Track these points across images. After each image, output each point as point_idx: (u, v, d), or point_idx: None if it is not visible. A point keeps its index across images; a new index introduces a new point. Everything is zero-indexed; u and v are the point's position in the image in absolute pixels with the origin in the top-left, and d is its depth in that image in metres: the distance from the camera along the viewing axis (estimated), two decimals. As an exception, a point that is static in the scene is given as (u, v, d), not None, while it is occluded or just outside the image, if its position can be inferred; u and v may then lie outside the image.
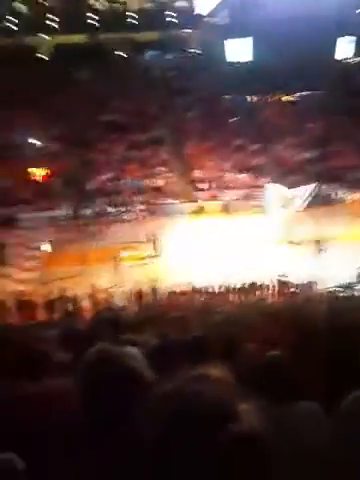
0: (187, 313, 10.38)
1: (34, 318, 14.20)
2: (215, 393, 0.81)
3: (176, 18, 35.49)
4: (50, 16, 34.46)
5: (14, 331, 7.00)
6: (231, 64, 33.10)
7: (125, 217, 23.78)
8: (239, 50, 33.80)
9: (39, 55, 33.19)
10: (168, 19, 35.46)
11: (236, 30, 33.16)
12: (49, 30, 34.19)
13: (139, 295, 14.84)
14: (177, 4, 36.00)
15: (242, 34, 33.17)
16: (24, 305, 14.70)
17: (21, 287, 16.55)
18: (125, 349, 1.76)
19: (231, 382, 0.87)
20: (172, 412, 0.81)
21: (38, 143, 28.76)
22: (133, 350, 1.80)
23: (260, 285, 15.47)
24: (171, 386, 0.88)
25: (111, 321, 7.94)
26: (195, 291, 15.14)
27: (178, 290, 15.09)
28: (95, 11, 35.06)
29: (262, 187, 24.92)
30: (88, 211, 23.77)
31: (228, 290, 15.30)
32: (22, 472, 1.35)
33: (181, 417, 0.80)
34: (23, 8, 35.23)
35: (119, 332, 5.68)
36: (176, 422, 0.80)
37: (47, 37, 34.03)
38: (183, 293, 15.08)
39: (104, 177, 26.96)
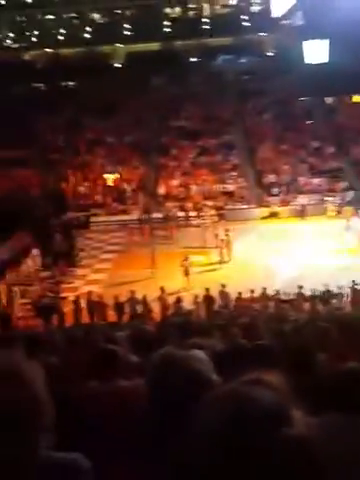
0: (257, 320, 10.05)
1: (104, 319, 14.48)
2: (268, 397, 0.83)
3: (251, 22, 35.17)
4: (125, 25, 35.44)
5: (87, 331, 7.09)
6: (308, 66, 32.19)
7: (195, 222, 23.75)
8: (315, 52, 32.83)
9: (113, 63, 34.14)
10: (244, 23, 35.24)
11: (311, 32, 32.24)
12: (123, 38, 35.14)
13: (208, 300, 14.65)
14: (252, 8, 35.71)
15: (318, 36, 32.19)
16: (95, 306, 15.00)
17: (92, 288, 16.92)
18: (191, 352, 1.78)
19: (285, 388, 0.87)
20: (225, 413, 0.83)
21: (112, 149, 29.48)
22: (199, 353, 1.80)
23: (335, 293, 14.74)
24: (226, 388, 0.91)
25: (179, 325, 7.81)
26: (266, 298, 14.70)
27: (248, 296, 14.72)
28: (169, 19, 35.57)
29: (338, 191, 23.85)
30: (159, 215, 23.95)
31: (301, 298, 14.72)
32: (88, 472, 1.36)
33: (233, 419, 0.81)
34: (99, 18, 36.52)
35: (187, 336, 5.54)
36: (229, 423, 0.81)
37: (121, 45, 34.97)
38: (253, 299, 14.70)
39: (175, 182, 27.12)
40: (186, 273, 16.96)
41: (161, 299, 15.00)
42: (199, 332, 6.83)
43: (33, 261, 19.19)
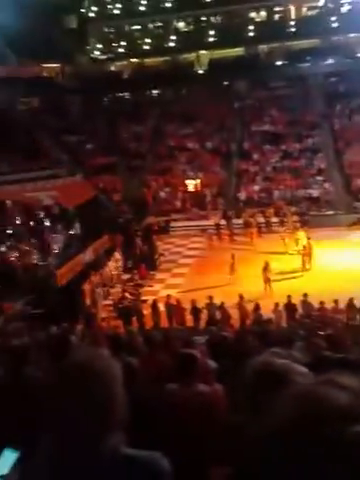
0: (343, 332, 9.55)
1: (182, 323, 14.52)
2: (341, 396, 0.85)
3: (339, 22, 33.94)
4: (209, 32, 35.67)
5: (166, 335, 7.14)
6: None
7: (277, 228, 23.21)
8: None
9: (196, 70, 34.43)
10: (332, 25, 34.10)
11: None
12: (207, 45, 35.35)
13: (289, 308, 14.20)
14: (343, 9, 34.47)
15: None
16: (173, 310, 15.10)
17: (171, 292, 17.06)
18: (291, 364, 1.78)
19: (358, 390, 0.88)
20: (299, 409, 0.86)
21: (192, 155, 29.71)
22: (300, 367, 1.80)
23: None
24: (301, 386, 0.95)
25: (259, 333, 7.58)
26: (354, 309, 13.94)
27: (331, 306, 14.06)
28: (254, 23, 35.27)
29: None
30: (239, 221, 23.72)
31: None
32: (167, 471, 1.39)
33: (306, 414, 0.84)
34: (183, 26, 37.06)
35: (267, 345, 5.34)
36: (302, 419, 0.84)
37: (205, 52, 35.21)
38: (337, 310, 14.01)
39: (256, 187, 26.74)
40: (266, 280, 16.59)
41: (240, 306, 14.75)
42: (280, 341, 6.59)
43: (115, 264, 19.76)
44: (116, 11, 37.29)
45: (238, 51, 34.42)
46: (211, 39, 35.63)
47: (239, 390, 2.52)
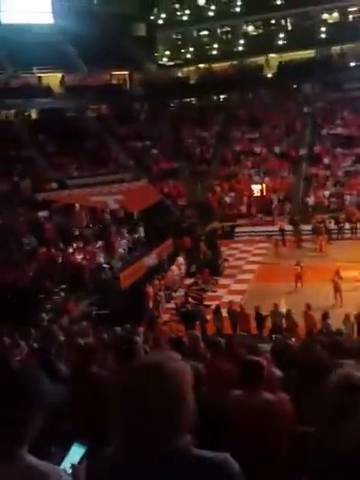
0: None
1: (246, 330, 14.17)
2: None
3: None
4: (279, 35, 35.03)
5: (229, 341, 6.94)
6: None
7: (349, 234, 22.23)
8: None
9: (265, 73, 33.90)
10: None
11: None
12: (277, 48, 34.73)
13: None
14: None
15: None
16: (237, 316, 14.77)
17: (234, 298, 16.75)
18: None
19: None
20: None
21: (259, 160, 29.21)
22: None
23: None
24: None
25: (327, 344, 7.14)
26: None
27: None
28: (327, 24, 34.22)
29: None
30: (307, 227, 22.94)
31: None
32: (239, 472, 1.42)
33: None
34: (252, 30, 36.66)
35: (337, 356, 5.00)
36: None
37: (274, 55, 34.61)
38: None
39: (327, 192, 25.79)
40: (336, 289, 15.82)
41: (306, 315, 14.18)
42: (350, 354, 6.16)
43: (179, 268, 19.72)
44: (185, 17, 37.56)
45: (309, 53, 33.50)
46: (281, 42, 34.96)
47: (312, 402, 2.55)
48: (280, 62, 33.71)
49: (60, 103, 29.75)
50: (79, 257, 18.51)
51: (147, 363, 1.44)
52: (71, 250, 18.90)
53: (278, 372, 4.63)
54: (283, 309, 14.36)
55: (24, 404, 1.59)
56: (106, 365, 5.93)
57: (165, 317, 16.21)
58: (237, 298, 16.95)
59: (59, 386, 4.03)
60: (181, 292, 18.11)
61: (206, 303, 16.78)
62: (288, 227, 23.33)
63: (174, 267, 19.55)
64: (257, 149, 29.71)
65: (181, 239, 21.88)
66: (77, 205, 22.74)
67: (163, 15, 37.98)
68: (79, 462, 2.14)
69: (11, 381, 1.64)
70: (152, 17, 38.17)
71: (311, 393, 3.38)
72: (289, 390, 3.55)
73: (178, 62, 37.59)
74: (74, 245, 19.24)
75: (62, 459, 2.16)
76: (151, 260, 19.68)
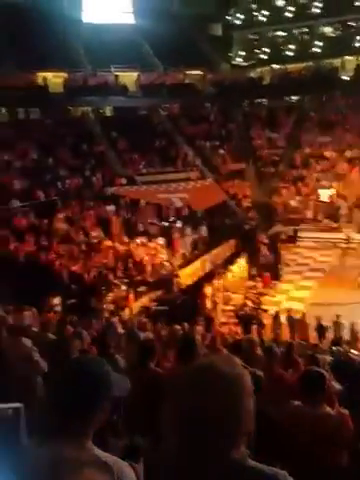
0: None
1: (304, 339, 13.93)
2: None
3: None
4: (358, 37, 33.87)
5: (288, 349, 6.89)
6: None
7: None
8: None
9: (341, 76, 32.89)
10: None
11: None
12: (355, 50, 33.61)
13: None
14: None
15: None
16: (296, 324, 14.57)
17: (294, 305, 16.51)
18: None
19: None
20: None
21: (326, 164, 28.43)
22: None
23: None
24: None
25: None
26: None
27: None
28: None
29: None
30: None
31: None
32: None
33: None
34: (330, 31, 35.68)
35: None
36: None
37: (351, 57, 33.52)
38: None
39: None
40: None
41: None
42: None
43: (239, 270, 19.68)
44: (261, 18, 37.22)
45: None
46: (358, 44, 33.78)
47: None
48: (357, 65, 32.57)
49: (134, 101, 30.45)
50: (142, 252, 18.93)
51: (204, 365, 1.38)
52: (135, 245, 19.36)
53: (338, 386, 4.57)
54: (346, 321, 13.98)
55: (95, 393, 1.62)
56: (164, 362, 6.10)
57: (222, 318, 16.27)
58: (297, 305, 16.69)
59: (123, 378, 4.21)
60: (240, 294, 18.08)
61: (264, 307, 16.66)
62: (356, 235, 22.60)
63: (234, 268, 19.54)
64: (327, 153, 28.94)
65: (243, 241, 21.79)
66: (143, 201, 23.23)
67: (240, 15, 37.86)
68: (137, 456, 2.15)
69: (83, 370, 1.66)
70: (229, 17, 38.14)
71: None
72: (349, 405, 3.47)
73: (252, 62, 37.31)
74: (138, 240, 19.70)
75: (118, 451, 2.16)
76: (212, 260, 19.77)
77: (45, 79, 29.03)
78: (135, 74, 31.66)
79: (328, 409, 3.26)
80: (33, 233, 17.60)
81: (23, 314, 8.06)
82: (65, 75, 29.87)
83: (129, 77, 31.38)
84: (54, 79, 29.50)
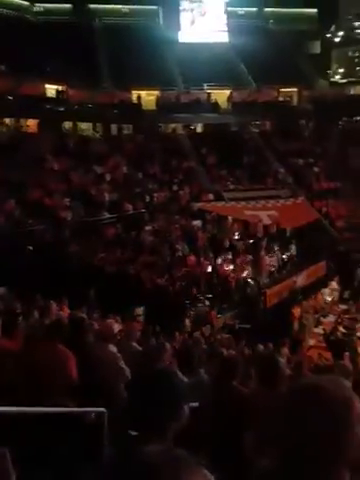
0: None
1: None
2: None
3: None
4: None
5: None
6: None
7: None
8: None
9: None
10: None
11: None
12: None
13: None
14: None
15: None
16: None
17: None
18: None
19: None
20: None
21: None
22: None
23: None
24: None
25: None
26: None
27: None
28: None
29: None
30: None
31: None
32: None
33: None
34: None
35: None
36: None
37: None
38: None
39: None
40: None
41: None
42: None
43: (331, 293, 18.51)
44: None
45: None
46: None
47: None
48: None
49: (225, 118, 30.40)
50: (227, 269, 18.46)
51: (310, 385, 1.30)
52: (220, 261, 18.95)
53: None
54: None
55: (172, 400, 1.74)
56: (247, 381, 5.67)
57: (311, 342, 15.27)
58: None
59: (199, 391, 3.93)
60: (331, 318, 16.92)
61: (359, 334, 15.39)
62: None
63: (326, 290, 18.40)
64: None
65: (336, 262, 20.55)
66: (230, 217, 22.82)
67: (340, 33, 36.75)
68: None
69: (163, 378, 1.81)
70: (329, 35, 37.16)
71: None
72: None
73: (351, 80, 35.90)
74: (223, 256, 19.27)
75: None
76: (301, 280, 18.80)
77: (139, 97, 29.95)
78: (227, 91, 31.68)
79: None
80: (120, 244, 17.86)
81: (109, 322, 7.99)
82: (158, 93, 30.61)
83: (221, 95, 31.46)
84: (147, 97, 30.34)
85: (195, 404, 3.53)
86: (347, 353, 13.49)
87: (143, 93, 30.41)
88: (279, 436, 1.28)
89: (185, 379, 1.78)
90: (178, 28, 34.05)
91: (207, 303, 15.91)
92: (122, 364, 5.33)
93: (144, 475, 0.95)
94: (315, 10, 36.57)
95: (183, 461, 1.00)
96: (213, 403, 3.94)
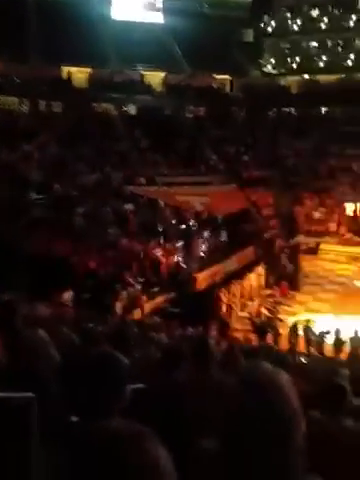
0: None
1: (320, 351, 13.48)
2: None
3: None
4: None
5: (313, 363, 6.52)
6: None
7: None
8: None
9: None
10: None
11: None
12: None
13: None
14: None
15: None
16: (313, 336, 14.03)
17: (312, 317, 16.02)
18: None
19: None
20: None
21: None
22: None
23: None
24: None
25: None
26: None
27: None
28: None
29: None
30: None
31: None
32: None
33: None
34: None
35: None
36: None
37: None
38: None
39: None
40: None
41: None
42: None
43: (257, 278, 19.18)
44: (295, 27, 36.75)
45: None
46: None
47: None
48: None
49: (159, 101, 30.21)
50: (159, 253, 18.54)
51: (266, 376, 1.25)
52: (152, 245, 18.98)
53: (355, 400, 4.33)
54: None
55: (117, 381, 1.74)
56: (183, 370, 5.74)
57: (237, 325, 15.79)
58: (314, 317, 16.20)
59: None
60: (256, 302, 17.60)
61: (280, 317, 16.15)
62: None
63: (252, 276, 19.04)
64: (355, 166, 28.26)
65: (263, 249, 21.29)
66: (162, 202, 22.86)
67: (273, 23, 37.43)
68: None
69: (106, 360, 1.82)
70: (262, 24, 37.75)
71: None
72: None
73: (283, 71, 36.87)
74: (155, 241, 19.32)
75: None
76: (230, 266, 19.29)
77: (69, 73, 28.98)
78: (162, 74, 31.44)
79: (350, 422, 3.18)
80: (49, 226, 17.32)
81: (37, 306, 7.76)
82: (89, 71, 29.77)
83: (155, 77, 31.19)
84: (78, 74, 29.46)
85: (137, 385, 3.52)
86: (270, 334, 14.18)
87: (74, 70, 29.44)
88: (221, 418, 1.26)
89: (126, 360, 1.69)
90: (110, 4, 33.13)
91: (138, 287, 15.92)
92: (53, 350, 5.21)
93: (112, 447, 0.97)
94: (250, -3, 37.05)
95: (147, 434, 1.01)
96: (153, 386, 3.95)
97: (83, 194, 20.84)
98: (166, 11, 33.90)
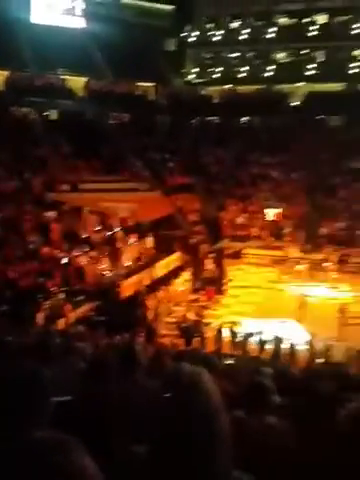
0: None
1: (244, 351, 13.80)
2: None
3: None
4: (308, 66, 34.98)
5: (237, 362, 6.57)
6: None
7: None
8: None
9: (290, 102, 33.82)
10: None
11: None
12: (304, 78, 34.69)
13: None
14: None
15: None
16: (238, 337, 14.35)
17: (236, 319, 16.38)
18: None
19: None
20: None
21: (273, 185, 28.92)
22: None
23: None
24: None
25: (332, 376, 6.77)
26: None
27: None
28: (357, 60, 34.20)
29: None
30: (318, 256, 22.54)
31: None
32: None
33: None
34: (283, 57, 36.70)
35: (342, 389, 4.72)
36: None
37: (301, 84, 34.54)
38: None
39: (340, 224, 25.32)
40: (343, 322, 15.33)
41: (309, 345, 13.81)
42: (351, 386, 5.91)
43: (183, 283, 19.30)
44: (216, 38, 37.68)
45: (338, 87, 33.31)
46: (310, 72, 34.89)
47: (319, 432, 2.65)
48: (308, 92, 33.63)
49: (81, 107, 29.70)
50: (83, 261, 18.10)
51: (187, 377, 1.26)
52: (76, 253, 18.50)
53: (277, 398, 4.43)
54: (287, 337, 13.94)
55: (40, 395, 1.66)
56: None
57: (164, 330, 15.76)
58: (239, 319, 16.59)
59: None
60: (182, 307, 17.69)
61: (207, 321, 16.34)
62: (298, 254, 22.94)
63: (178, 281, 19.13)
64: (274, 174, 29.41)
65: (188, 254, 21.49)
66: (86, 209, 22.40)
67: (195, 33, 38.14)
68: None
69: (26, 374, 1.73)
70: (184, 34, 38.36)
71: (319, 423, 3.18)
72: (288, 418, 3.39)
73: (204, 81, 37.65)
74: (79, 249, 18.85)
75: None
76: (156, 272, 19.26)
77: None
78: (83, 79, 30.97)
79: (272, 419, 3.21)
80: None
81: None
82: (7, 74, 28.64)
83: (77, 82, 30.66)
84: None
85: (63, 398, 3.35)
86: (197, 338, 14.29)
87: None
88: (148, 422, 1.26)
89: (46, 372, 1.63)
90: (29, 8, 32.12)
91: (61, 296, 15.41)
92: None
93: (36, 458, 0.94)
94: (172, 7, 37.57)
95: (73, 444, 0.99)
96: (78, 397, 3.79)
97: (1, 201, 19.88)
98: (88, 17, 33.47)
